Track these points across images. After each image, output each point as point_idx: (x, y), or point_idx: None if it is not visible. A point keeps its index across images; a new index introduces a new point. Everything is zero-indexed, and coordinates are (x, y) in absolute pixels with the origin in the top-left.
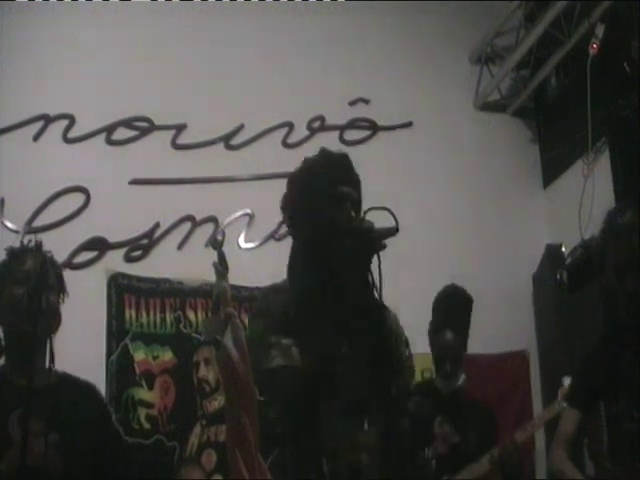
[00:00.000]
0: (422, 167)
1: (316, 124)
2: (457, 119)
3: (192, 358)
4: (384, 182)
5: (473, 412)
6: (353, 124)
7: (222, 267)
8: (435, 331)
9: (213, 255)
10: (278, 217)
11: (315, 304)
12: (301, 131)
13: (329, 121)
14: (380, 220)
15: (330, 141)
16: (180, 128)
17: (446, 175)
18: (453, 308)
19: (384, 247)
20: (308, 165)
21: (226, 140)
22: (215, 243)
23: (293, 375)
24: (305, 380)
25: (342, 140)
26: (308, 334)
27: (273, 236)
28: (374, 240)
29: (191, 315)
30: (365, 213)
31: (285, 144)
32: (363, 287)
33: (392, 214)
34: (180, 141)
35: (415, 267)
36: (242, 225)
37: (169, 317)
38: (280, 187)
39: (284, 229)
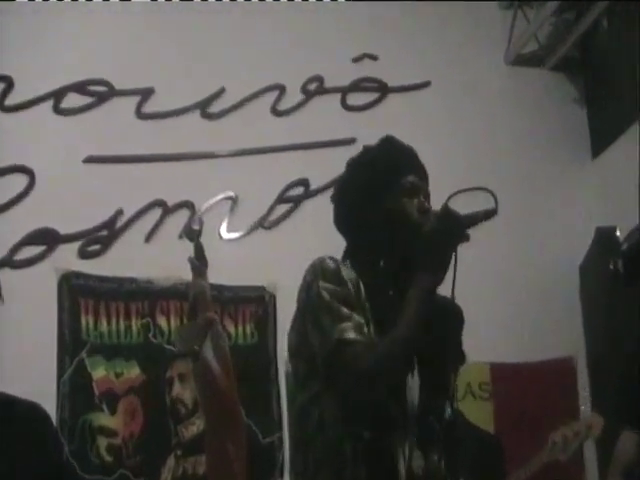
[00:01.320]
0: (442, 135)
1: (312, 86)
2: (485, 76)
3: (164, 374)
4: None
5: (468, 446)
6: (358, 85)
7: (200, 262)
8: None
9: (189, 248)
10: (268, 200)
11: (390, 294)
12: (294, 95)
13: (328, 82)
14: None
15: (330, 106)
16: (146, 93)
17: (472, 145)
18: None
19: (467, 239)
20: (371, 151)
21: (203, 107)
22: (191, 233)
23: (371, 355)
24: (387, 368)
25: (344, 105)
26: (386, 322)
27: (262, 224)
28: (461, 227)
29: (163, 322)
30: (449, 199)
31: (275, 111)
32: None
33: (491, 193)
34: (146, 109)
35: None
36: (224, 211)
37: (135, 325)
38: (270, 164)
39: (275, 215)
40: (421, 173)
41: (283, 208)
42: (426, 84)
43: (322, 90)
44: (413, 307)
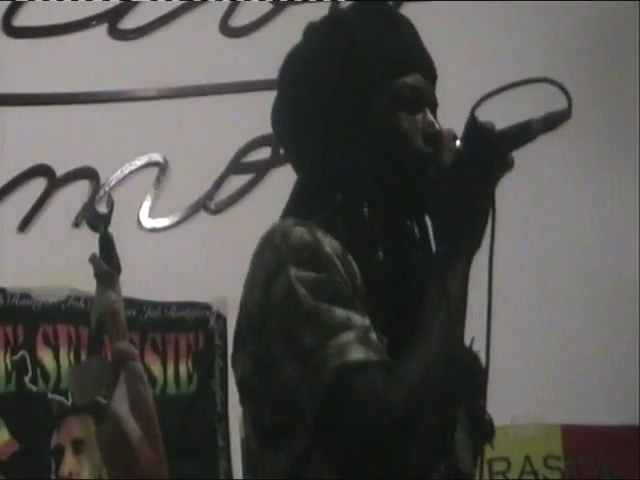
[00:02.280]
0: (485, 63)
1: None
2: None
3: (48, 441)
4: None
5: None
6: None
7: (109, 265)
8: None
9: (92, 242)
10: (214, 168)
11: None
12: (257, 2)
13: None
14: None
15: (312, 18)
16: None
17: (524, 96)
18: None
19: (511, 164)
20: (345, 21)
21: (112, 20)
22: (95, 219)
23: (400, 387)
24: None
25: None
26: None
27: (205, 205)
28: (501, 147)
29: (47, 357)
30: (478, 105)
31: (225, 28)
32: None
33: (562, 88)
34: (21, 20)
35: None
36: (146, 184)
37: (4, 362)
38: (218, 111)
39: (226, 191)
40: (428, 71)
41: (238, 181)
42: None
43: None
44: (443, 295)
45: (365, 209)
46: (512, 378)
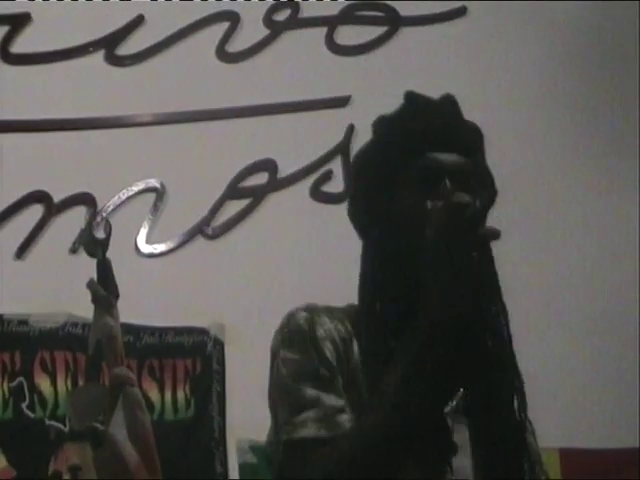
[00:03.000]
0: (481, 84)
1: (281, 15)
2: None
3: (46, 467)
4: None
5: None
6: (352, 15)
7: (106, 291)
8: None
9: (89, 268)
10: (212, 193)
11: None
12: (254, 28)
13: (307, 10)
14: None
15: (310, 47)
16: (19, 22)
17: (522, 95)
18: None
19: (494, 236)
20: (379, 132)
21: (109, 46)
22: (92, 245)
23: (331, 459)
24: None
25: (332, 45)
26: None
27: (202, 230)
28: (466, 223)
29: (44, 384)
30: (489, 194)
31: (223, 54)
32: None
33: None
34: (18, 47)
35: None
36: (143, 210)
37: (1, 389)
38: (216, 136)
39: (224, 216)
40: (461, 146)
41: (236, 205)
42: (460, 11)
43: (297, 22)
44: (399, 366)
45: (379, 301)
46: None
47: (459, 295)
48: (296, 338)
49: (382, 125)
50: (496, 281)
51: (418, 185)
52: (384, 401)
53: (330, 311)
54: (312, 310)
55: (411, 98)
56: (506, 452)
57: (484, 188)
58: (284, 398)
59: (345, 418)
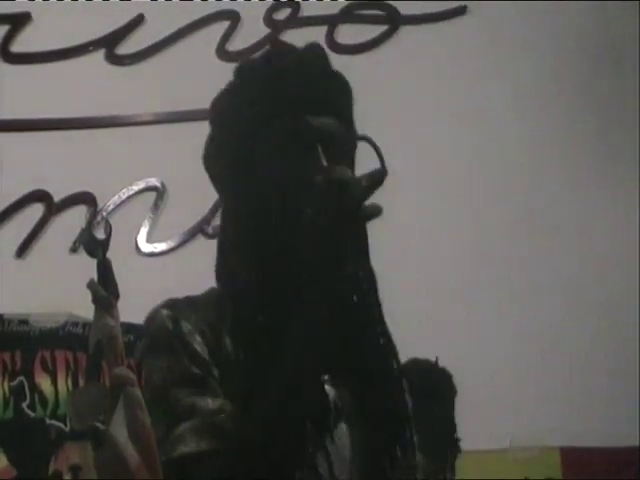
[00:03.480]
0: (481, 82)
1: (282, 14)
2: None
3: (46, 467)
4: (412, 115)
5: None
6: (352, 13)
7: (107, 291)
8: None
9: (90, 268)
10: (212, 191)
11: (265, 325)
12: (254, 28)
13: (307, 9)
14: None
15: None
16: (19, 22)
17: (522, 93)
18: (428, 408)
19: (377, 213)
20: (245, 75)
21: (109, 45)
22: (92, 245)
23: (218, 471)
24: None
25: (332, 44)
26: (257, 387)
27: (203, 229)
28: (353, 201)
29: (44, 383)
30: (378, 174)
31: (223, 53)
32: (344, 287)
33: (374, 146)
34: (18, 47)
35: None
36: (144, 209)
37: (1, 388)
38: None
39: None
40: (334, 108)
41: None
42: (460, 10)
43: (297, 21)
44: (285, 363)
45: (245, 271)
46: (511, 401)
47: (337, 278)
48: (161, 341)
49: (247, 74)
50: (366, 249)
51: (285, 150)
52: (268, 395)
53: (192, 301)
54: (173, 306)
55: (276, 47)
56: (385, 412)
57: (352, 156)
58: (158, 410)
59: (224, 418)
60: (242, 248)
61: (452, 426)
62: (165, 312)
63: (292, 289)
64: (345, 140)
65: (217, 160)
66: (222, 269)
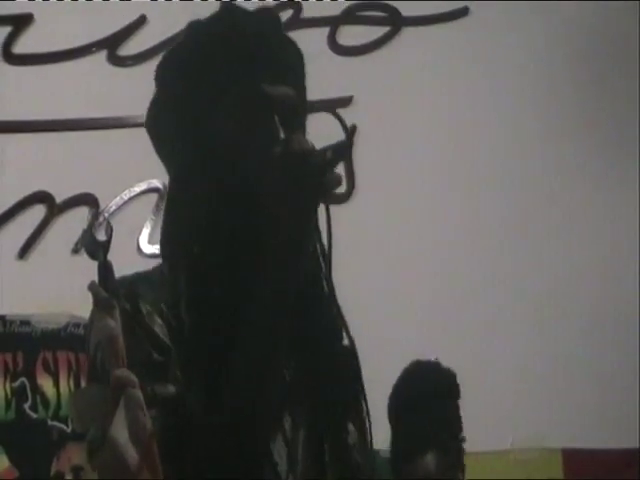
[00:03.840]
0: (483, 84)
1: (284, 16)
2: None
3: (48, 468)
4: (414, 117)
5: None
6: (354, 15)
7: (108, 292)
8: (405, 457)
9: (91, 269)
10: None
11: (222, 302)
12: None
13: (309, 10)
14: None
15: (312, 47)
16: (22, 23)
17: (524, 95)
18: (434, 408)
19: (336, 184)
20: (197, 33)
21: (112, 46)
22: (94, 246)
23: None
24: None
25: (334, 46)
26: (211, 367)
27: None
28: (315, 173)
29: (46, 384)
30: (343, 146)
31: None
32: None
33: (338, 118)
34: (20, 48)
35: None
36: (145, 210)
37: (3, 389)
38: None
39: None
40: (288, 75)
41: None
42: (462, 11)
43: (299, 22)
44: (246, 340)
45: (195, 244)
46: (512, 402)
47: (295, 253)
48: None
49: (197, 34)
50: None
51: (240, 119)
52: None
53: (146, 278)
54: (129, 284)
55: (229, 9)
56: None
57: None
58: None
59: (183, 404)
60: (194, 220)
61: (458, 426)
62: (122, 292)
63: (247, 263)
64: (301, 110)
65: (162, 124)
66: (170, 244)
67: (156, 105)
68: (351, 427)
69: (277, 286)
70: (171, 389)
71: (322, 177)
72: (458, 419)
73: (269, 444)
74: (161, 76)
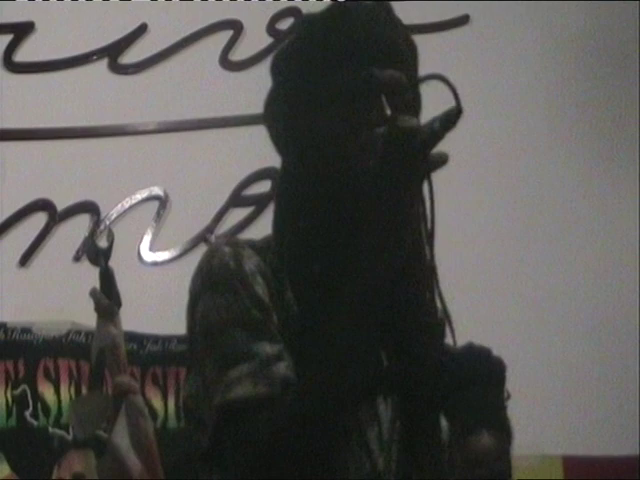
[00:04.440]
0: (483, 91)
1: (284, 23)
2: (550, 8)
3: (50, 475)
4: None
5: None
6: None
7: (109, 299)
8: (463, 433)
9: (93, 276)
10: (215, 201)
11: (321, 277)
12: (257, 38)
13: None
14: None
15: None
16: (23, 31)
17: (524, 102)
18: (487, 388)
19: (442, 162)
20: (307, 24)
21: (113, 54)
22: (95, 253)
23: (273, 419)
24: (303, 427)
25: None
26: (317, 332)
27: (205, 238)
28: (418, 150)
29: (48, 392)
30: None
31: (226, 62)
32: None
33: (449, 85)
34: (22, 56)
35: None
36: (147, 218)
37: (4, 397)
38: (220, 144)
39: (228, 224)
40: (398, 59)
41: (239, 213)
42: (463, 20)
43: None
44: (341, 318)
45: (301, 220)
46: (513, 408)
47: (401, 238)
48: (221, 277)
49: (307, 27)
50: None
51: (347, 101)
52: (329, 352)
53: (254, 243)
54: (236, 244)
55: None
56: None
57: (418, 110)
58: (212, 351)
59: (282, 366)
60: (300, 197)
61: (506, 415)
62: (227, 249)
63: (350, 240)
64: (411, 95)
65: (276, 110)
66: (278, 219)
67: (271, 96)
68: (443, 422)
69: (378, 265)
70: (267, 347)
71: (428, 150)
72: (505, 409)
73: (365, 431)
74: (273, 66)
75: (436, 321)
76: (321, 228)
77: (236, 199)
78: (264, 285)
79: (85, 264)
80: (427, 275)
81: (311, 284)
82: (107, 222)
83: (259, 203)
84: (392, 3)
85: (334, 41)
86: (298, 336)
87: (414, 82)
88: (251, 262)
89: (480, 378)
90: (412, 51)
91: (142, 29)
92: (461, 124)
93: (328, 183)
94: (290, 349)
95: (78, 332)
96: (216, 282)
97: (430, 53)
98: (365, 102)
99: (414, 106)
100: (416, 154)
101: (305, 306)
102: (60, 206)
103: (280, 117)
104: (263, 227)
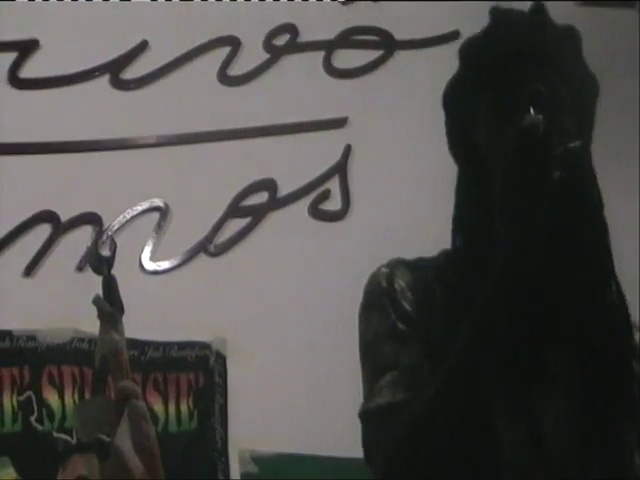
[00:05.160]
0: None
1: (281, 40)
2: None
3: (54, 478)
4: (407, 137)
5: None
6: (349, 39)
7: (112, 307)
8: None
9: (95, 285)
10: (214, 212)
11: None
12: (254, 53)
13: (305, 35)
14: None
15: (308, 70)
16: (27, 48)
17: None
18: None
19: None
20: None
21: (114, 70)
22: (98, 263)
23: (406, 422)
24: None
25: (329, 68)
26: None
27: (205, 248)
28: (539, 150)
29: (52, 397)
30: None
31: (224, 77)
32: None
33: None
34: (26, 73)
35: None
36: (148, 228)
37: (10, 403)
38: (217, 156)
39: (226, 234)
40: (552, 64)
41: (237, 224)
42: (453, 35)
43: (295, 45)
44: (478, 308)
45: (458, 236)
46: None
47: (532, 241)
48: (374, 299)
49: (467, 50)
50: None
51: (497, 115)
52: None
53: (416, 262)
54: (394, 265)
55: (496, 16)
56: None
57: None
58: (365, 362)
59: (422, 374)
60: (460, 214)
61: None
62: (384, 270)
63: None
64: (565, 103)
65: (457, 103)
66: (458, 224)
67: (452, 83)
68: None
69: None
70: (411, 357)
71: (546, 155)
72: None
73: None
74: (463, 56)
75: (625, 316)
76: (474, 244)
77: (234, 210)
78: (412, 300)
79: (88, 274)
80: (612, 263)
81: (464, 296)
82: (109, 233)
83: (256, 213)
84: (383, 19)
85: (491, 61)
86: (442, 345)
87: (570, 90)
88: (402, 280)
89: None
90: (573, 44)
91: (143, 46)
92: None
93: (482, 194)
94: (437, 353)
95: (81, 339)
96: (370, 303)
97: (421, 68)
98: (516, 108)
99: (568, 105)
100: (535, 156)
101: (453, 315)
102: (64, 217)
103: (463, 107)
104: (260, 236)
